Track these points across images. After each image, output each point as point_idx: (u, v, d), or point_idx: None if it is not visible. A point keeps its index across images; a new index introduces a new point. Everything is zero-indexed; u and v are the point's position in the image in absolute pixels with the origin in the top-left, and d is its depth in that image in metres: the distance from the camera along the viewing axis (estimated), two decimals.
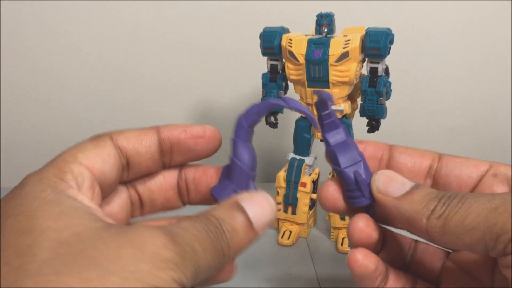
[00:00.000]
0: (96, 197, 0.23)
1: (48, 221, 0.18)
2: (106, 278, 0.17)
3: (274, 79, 0.47)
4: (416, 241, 0.30)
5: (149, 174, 0.27)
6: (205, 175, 0.28)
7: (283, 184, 0.47)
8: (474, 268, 0.27)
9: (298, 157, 0.47)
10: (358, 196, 0.26)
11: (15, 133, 0.66)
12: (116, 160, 0.24)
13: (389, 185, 0.25)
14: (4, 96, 0.64)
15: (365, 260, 0.26)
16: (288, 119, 0.52)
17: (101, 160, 0.23)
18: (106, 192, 0.24)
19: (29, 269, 0.17)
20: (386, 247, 0.29)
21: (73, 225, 0.18)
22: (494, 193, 0.22)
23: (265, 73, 0.47)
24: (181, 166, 0.28)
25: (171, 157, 0.27)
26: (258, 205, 0.23)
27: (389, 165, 0.28)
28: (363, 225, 0.26)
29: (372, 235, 0.26)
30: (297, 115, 0.47)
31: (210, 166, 0.28)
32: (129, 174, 0.26)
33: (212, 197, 0.27)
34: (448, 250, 0.29)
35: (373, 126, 0.45)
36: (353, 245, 0.27)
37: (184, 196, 0.29)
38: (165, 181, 0.28)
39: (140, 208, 0.28)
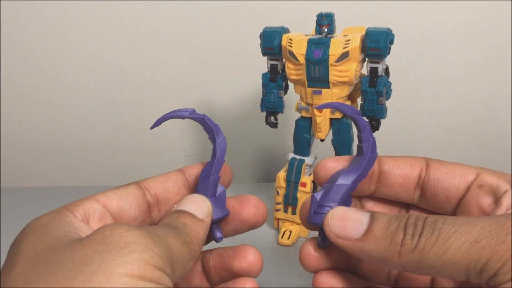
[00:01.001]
0: None
1: (28, 242, 0.20)
2: (73, 278, 0.17)
3: (274, 79, 0.47)
4: None
5: None
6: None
7: (283, 184, 0.47)
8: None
9: (298, 157, 0.47)
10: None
11: (15, 133, 0.66)
12: (137, 198, 0.26)
13: (345, 228, 0.23)
14: (4, 96, 0.64)
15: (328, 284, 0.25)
16: (288, 119, 0.52)
17: (118, 197, 0.25)
18: None
19: (5, 283, 0.18)
20: (362, 265, 0.28)
21: (48, 241, 0.19)
22: (471, 220, 0.20)
23: (265, 73, 0.47)
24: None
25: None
26: (192, 202, 0.25)
27: (379, 181, 0.27)
28: (312, 250, 0.26)
29: (323, 259, 0.26)
30: (297, 115, 0.47)
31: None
32: (161, 211, 0.27)
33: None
34: None
35: (373, 126, 0.45)
36: (308, 271, 0.27)
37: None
38: None
39: None
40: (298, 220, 0.48)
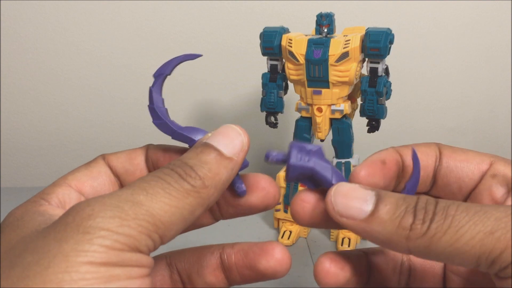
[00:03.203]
0: None
1: (5, 236, 0.19)
2: (30, 270, 0.17)
3: (274, 79, 0.47)
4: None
5: None
6: None
7: (283, 184, 0.47)
8: (477, 276, 0.25)
9: None
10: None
11: (15, 133, 0.66)
12: (108, 177, 0.25)
13: (349, 207, 0.21)
14: (4, 96, 0.64)
15: None
16: (288, 119, 0.52)
17: (91, 178, 0.24)
18: None
19: None
20: (374, 272, 0.26)
21: (22, 232, 0.19)
22: (486, 208, 0.19)
23: (265, 73, 0.47)
24: None
25: None
26: (222, 135, 0.22)
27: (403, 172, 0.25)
28: (329, 265, 0.24)
29: (340, 275, 0.24)
30: (297, 115, 0.47)
31: None
32: None
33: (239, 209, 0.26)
34: None
35: (373, 126, 0.45)
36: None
37: None
38: None
39: None
40: None
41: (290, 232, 0.48)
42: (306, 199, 0.25)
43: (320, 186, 0.24)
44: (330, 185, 0.23)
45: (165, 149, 0.25)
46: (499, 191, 0.24)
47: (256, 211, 0.25)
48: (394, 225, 0.20)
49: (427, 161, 0.25)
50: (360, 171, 0.24)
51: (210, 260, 0.26)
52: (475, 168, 0.24)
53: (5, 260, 0.18)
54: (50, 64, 0.63)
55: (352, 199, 0.21)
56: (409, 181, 0.24)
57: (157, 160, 0.25)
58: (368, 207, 0.21)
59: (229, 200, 0.25)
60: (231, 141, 0.22)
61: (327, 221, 0.24)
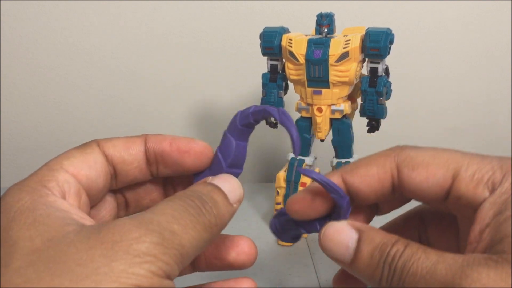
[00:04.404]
0: (84, 204, 0.22)
1: (20, 230, 0.18)
2: (79, 283, 0.16)
3: (274, 79, 0.47)
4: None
5: (137, 182, 0.26)
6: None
7: (283, 184, 0.47)
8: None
9: (298, 157, 0.47)
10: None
11: (15, 133, 0.66)
12: (103, 166, 0.24)
13: (334, 251, 0.23)
14: (4, 96, 0.64)
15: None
16: None
17: (87, 167, 0.23)
18: (95, 199, 0.24)
19: (4, 279, 0.17)
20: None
21: (45, 232, 0.18)
22: (444, 257, 0.19)
23: (265, 73, 0.47)
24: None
25: (157, 168, 0.26)
26: (228, 182, 0.23)
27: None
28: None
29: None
30: (297, 114, 0.47)
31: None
32: (117, 182, 0.25)
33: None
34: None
35: (373, 126, 0.45)
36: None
37: None
38: (153, 188, 0.27)
39: (125, 209, 0.27)
40: None
41: None
42: (301, 196, 0.26)
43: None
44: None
45: (170, 140, 0.25)
46: (466, 213, 0.22)
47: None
48: (370, 273, 0.21)
49: (381, 188, 0.24)
50: (292, 206, 0.26)
51: None
52: (438, 189, 0.23)
53: (39, 264, 0.17)
54: (50, 64, 0.63)
55: (336, 244, 0.23)
56: (334, 213, 0.25)
57: (162, 152, 0.25)
58: (349, 252, 0.22)
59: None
60: (234, 189, 0.23)
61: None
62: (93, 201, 0.24)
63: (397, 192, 0.24)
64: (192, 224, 0.20)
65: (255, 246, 0.26)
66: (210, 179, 0.23)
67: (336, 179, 0.25)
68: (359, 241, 0.22)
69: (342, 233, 0.23)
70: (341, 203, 0.24)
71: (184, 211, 0.20)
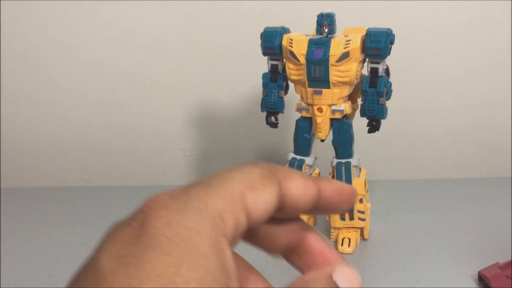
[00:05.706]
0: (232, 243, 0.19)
1: (185, 263, 0.15)
2: None
3: (275, 79, 0.47)
4: None
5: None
6: None
7: None
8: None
9: (298, 157, 0.47)
10: None
11: (15, 133, 0.66)
12: (273, 209, 0.20)
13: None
14: (4, 97, 0.64)
15: None
16: (289, 119, 0.52)
17: (263, 209, 0.19)
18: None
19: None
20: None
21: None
22: None
23: (266, 73, 0.47)
24: None
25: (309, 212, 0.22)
26: (348, 279, 0.19)
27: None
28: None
29: None
30: (298, 115, 0.47)
31: None
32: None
33: None
34: None
35: (373, 126, 0.45)
36: None
37: None
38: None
39: None
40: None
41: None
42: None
43: None
44: None
45: (338, 188, 0.21)
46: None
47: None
48: None
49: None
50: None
51: None
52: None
53: None
54: (50, 65, 0.63)
55: None
56: None
57: (329, 199, 0.21)
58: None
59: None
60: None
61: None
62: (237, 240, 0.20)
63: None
64: None
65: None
66: (334, 270, 0.19)
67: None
68: None
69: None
70: None
71: None
